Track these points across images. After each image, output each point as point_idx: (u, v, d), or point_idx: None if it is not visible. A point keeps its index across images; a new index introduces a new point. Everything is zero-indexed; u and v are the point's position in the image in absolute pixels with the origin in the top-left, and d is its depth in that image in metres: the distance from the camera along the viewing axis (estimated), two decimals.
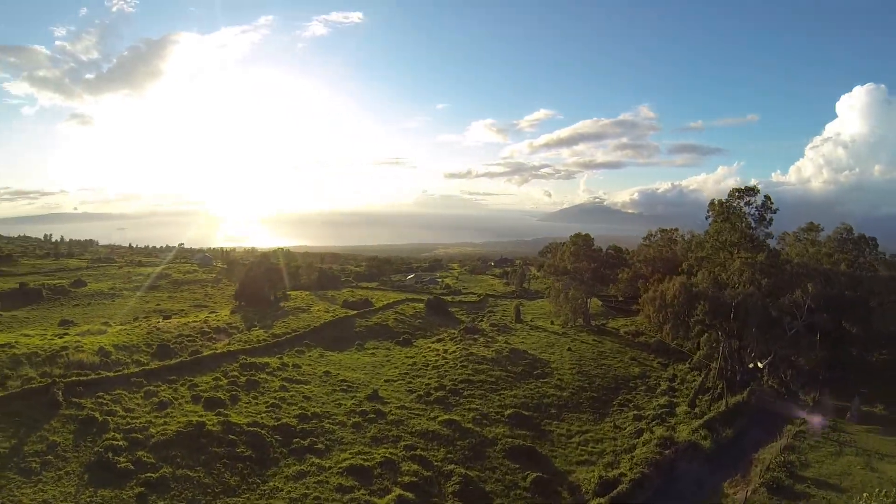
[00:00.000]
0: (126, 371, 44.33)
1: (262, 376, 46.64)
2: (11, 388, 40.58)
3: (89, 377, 41.71)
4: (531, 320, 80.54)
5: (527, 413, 44.65)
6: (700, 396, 49.04)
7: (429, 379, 50.72)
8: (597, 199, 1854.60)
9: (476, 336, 64.70)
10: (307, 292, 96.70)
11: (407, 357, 58.68)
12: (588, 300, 79.73)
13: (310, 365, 52.19)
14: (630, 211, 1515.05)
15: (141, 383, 41.87)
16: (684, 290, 57.27)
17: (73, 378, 40.89)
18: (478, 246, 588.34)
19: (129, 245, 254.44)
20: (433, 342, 65.25)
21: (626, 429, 43.89)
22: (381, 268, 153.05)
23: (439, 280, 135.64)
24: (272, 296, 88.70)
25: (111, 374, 43.61)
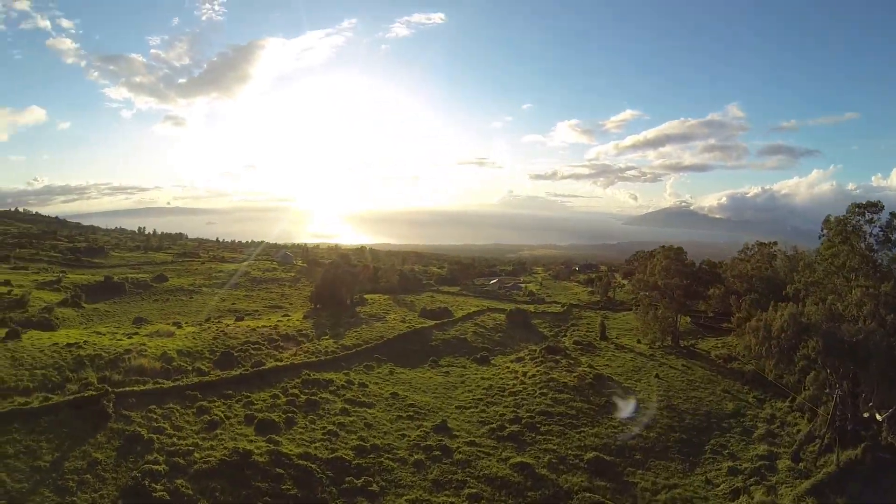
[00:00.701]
0: (183, 381, 43.43)
1: (323, 395, 44.40)
2: (70, 391, 40.86)
3: (143, 388, 41.04)
4: (616, 337, 75.51)
5: (608, 458, 39.69)
6: (805, 446, 42.17)
7: (504, 408, 46.74)
8: (683, 203, 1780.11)
9: (558, 357, 60.10)
10: (386, 296, 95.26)
11: (483, 378, 54.97)
12: (678, 319, 73.63)
13: (377, 384, 49.56)
14: (717, 216, 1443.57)
15: (195, 397, 40.62)
16: (794, 322, 50.16)
17: (127, 388, 40.29)
18: (562, 248, 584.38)
19: (217, 239, 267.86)
20: (512, 361, 61.26)
21: (719, 486, 38.06)
22: (464, 271, 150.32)
23: (523, 286, 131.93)
24: (349, 299, 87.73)
25: (168, 382, 42.89)
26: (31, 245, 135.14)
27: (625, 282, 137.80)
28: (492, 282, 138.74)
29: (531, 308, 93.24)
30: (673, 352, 67.87)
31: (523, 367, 58.18)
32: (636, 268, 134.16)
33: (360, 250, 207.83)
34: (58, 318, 71.34)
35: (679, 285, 74.02)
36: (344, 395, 45.48)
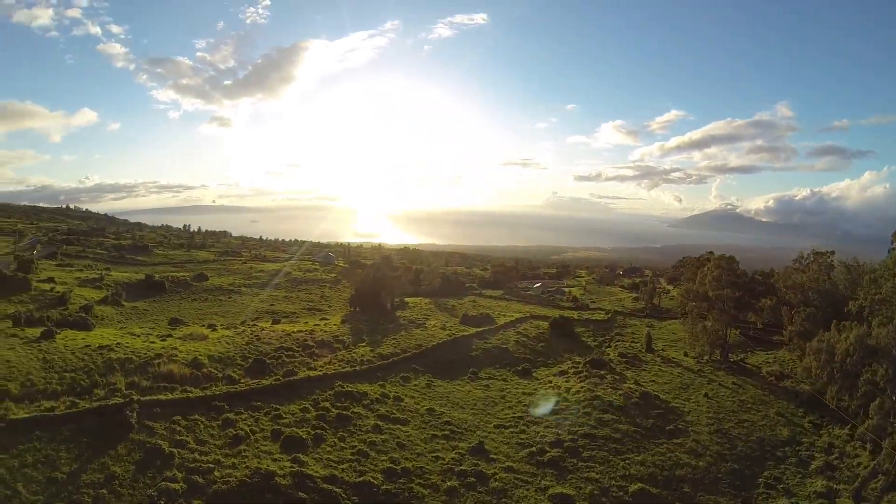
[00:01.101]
0: (211, 390, 42.47)
1: (356, 410, 42.71)
2: (97, 396, 40.44)
3: (170, 396, 40.21)
4: (662, 349, 72.47)
5: (655, 490, 36.79)
6: (868, 483, 38.22)
7: (545, 428, 44.24)
8: (729, 206, 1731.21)
9: (603, 372, 57.39)
10: (427, 300, 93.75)
11: (524, 394, 52.56)
12: (728, 332, 70.23)
13: (413, 398, 47.66)
14: (764, 219, 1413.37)
15: (222, 408, 39.52)
16: (860, 346, 46.08)
17: (153, 396, 39.49)
18: (606, 251, 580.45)
19: (260, 237, 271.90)
20: (555, 374, 58.76)
21: None
22: (507, 274, 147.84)
23: (566, 291, 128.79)
24: (389, 303, 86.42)
25: (196, 391, 42.01)
26: (78, 242, 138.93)
27: (670, 287, 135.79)
28: (535, 286, 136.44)
29: (575, 315, 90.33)
30: (722, 367, 64.90)
31: (566, 381, 55.68)
32: (682, 274, 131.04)
33: (404, 250, 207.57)
34: (97, 317, 72.18)
35: (730, 297, 70.59)
36: (377, 409, 43.71)
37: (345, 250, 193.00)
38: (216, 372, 47.47)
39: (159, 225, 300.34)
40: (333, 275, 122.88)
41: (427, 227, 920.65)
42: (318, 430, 38.56)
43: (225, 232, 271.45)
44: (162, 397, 39.91)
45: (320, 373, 49.06)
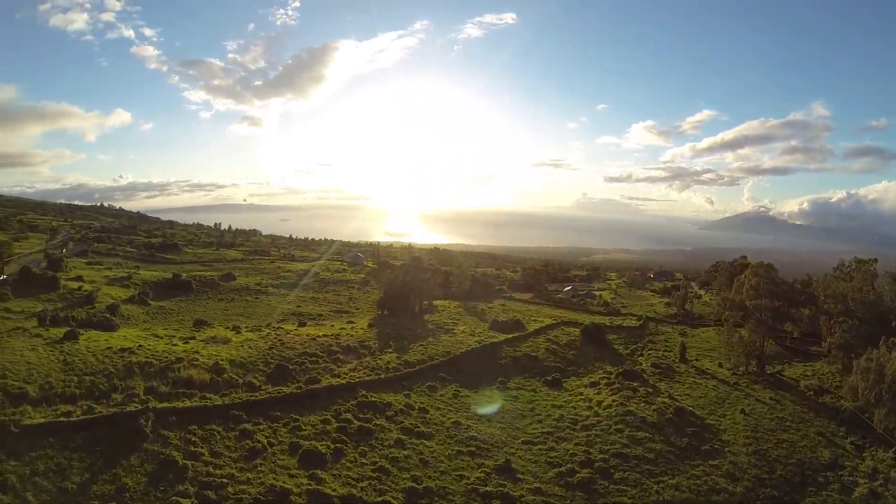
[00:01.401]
0: (230, 398, 41.59)
1: (379, 422, 41.23)
2: (114, 401, 39.86)
3: (187, 404, 39.33)
4: (696, 358, 69.69)
5: None
6: None
7: (575, 445, 42.17)
8: (762, 208, 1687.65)
9: (635, 384, 55.07)
10: (456, 303, 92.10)
11: (554, 406, 50.46)
12: (765, 343, 67.50)
13: (439, 409, 45.98)
14: (798, 222, 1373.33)
15: (240, 418, 38.44)
16: None
17: (170, 404, 38.68)
18: (636, 253, 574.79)
19: (290, 236, 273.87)
20: (586, 386, 56.51)
21: None
22: (537, 277, 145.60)
23: (597, 295, 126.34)
24: (417, 307, 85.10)
25: (215, 398, 41.20)
26: (109, 240, 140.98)
27: (702, 292, 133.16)
28: (566, 289, 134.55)
29: (606, 321, 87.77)
30: (758, 380, 62.24)
31: (598, 394, 53.50)
32: (715, 279, 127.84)
33: (434, 251, 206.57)
34: (123, 316, 72.42)
35: (769, 307, 67.55)
36: (401, 422, 42.14)
37: (374, 250, 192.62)
38: (237, 378, 46.56)
39: (190, 223, 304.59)
40: (362, 275, 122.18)
41: (457, 227, 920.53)
42: (338, 444, 37.18)
43: (255, 230, 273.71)
44: (179, 405, 39.07)
45: (344, 381, 47.77)
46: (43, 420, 35.30)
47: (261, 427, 37.91)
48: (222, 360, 49.34)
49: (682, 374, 63.01)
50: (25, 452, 31.76)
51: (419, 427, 41.84)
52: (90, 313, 70.03)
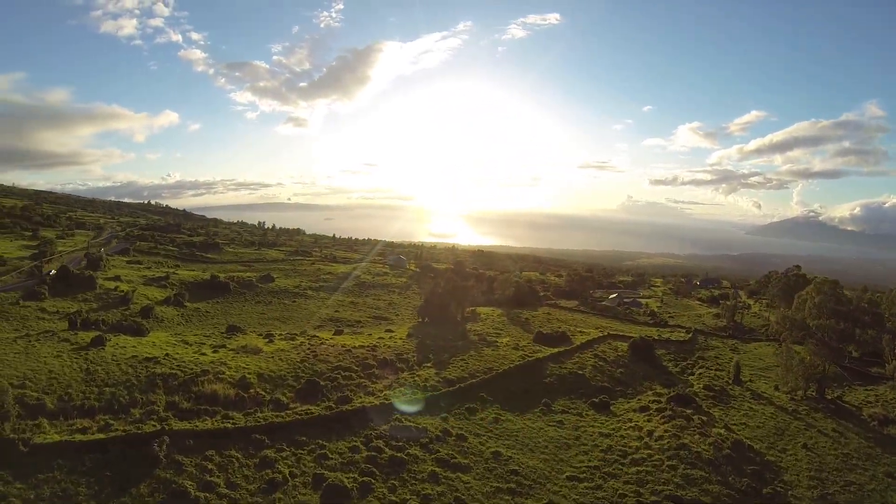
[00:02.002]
0: (254, 418, 38.95)
1: (412, 451, 37.85)
2: (132, 416, 37.88)
3: (207, 425, 36.88)
4: (750, 379, 64.51)
5: None
6: None
7: (625, 484, 37.98)
8: (811, 213, 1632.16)
9: (688, 411, 50.48)
10: (500, 311, 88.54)
11: (602, 435, 46.28)
12: (827, 367, 62.24)
13: (478, 436, 42.35)
14: (849, 228, 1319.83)
15: (262, 443, 35.63)
16: None
17: (187, 424, 36.31)
18: (680, 258, 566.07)
19: (333, 235, 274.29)
20: (636, 410, 52.08)
21: None
22: (582, 283, 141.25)
23: (643, 304, 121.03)
24: (459, 315, 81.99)
25: (238, 416, 38.66)
26: (152, 238, 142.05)
27: (751, 302, 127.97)
28: (611, 296, 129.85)
29: (654, 334, 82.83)
30: (819, 407, 57.20)
31: (648, 420, 49.04)
32: (768, 290, 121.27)
33: (477, 253, 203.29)
34: (157, 318, 71.54)
35: (833, 328, 61.89)
36: (437, 451, 38.66)
37: (417, 252, 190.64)
38: (264, 394, 44.00)
39: (235, 221, 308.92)
40: (403, 279, 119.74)
41: (502, 228, 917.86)
42: (366, 477, 33.89)
43: (298, 230, 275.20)
44: (199, 425, 36.63)
45: (377, 401, 44.63)
46: (54, 439, 33.32)
47: (284, 454, 35.01)
48: (250, 373, 46.92)
49: (737, 398, 58.12)
50: (32, 474, 29.75)
51: (456, 458, 38.29)
52: (124, 314, 69.28)
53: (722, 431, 47.27)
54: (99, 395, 40.45)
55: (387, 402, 44.75)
